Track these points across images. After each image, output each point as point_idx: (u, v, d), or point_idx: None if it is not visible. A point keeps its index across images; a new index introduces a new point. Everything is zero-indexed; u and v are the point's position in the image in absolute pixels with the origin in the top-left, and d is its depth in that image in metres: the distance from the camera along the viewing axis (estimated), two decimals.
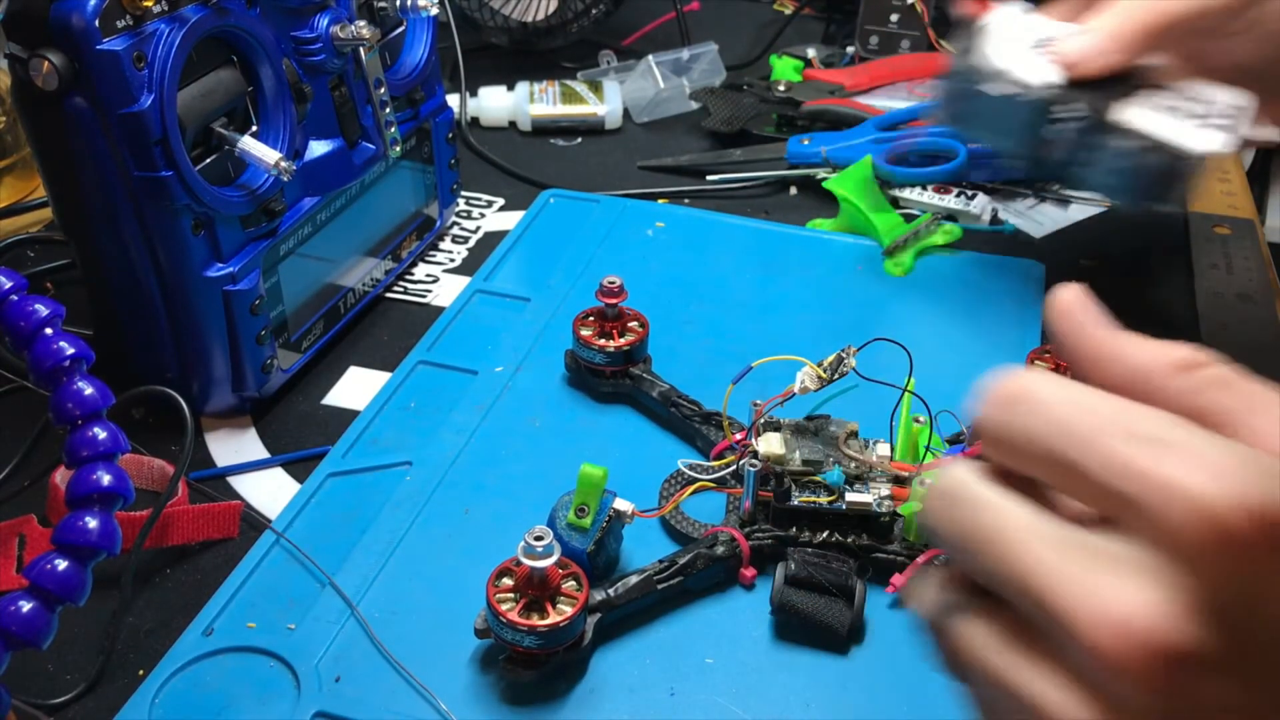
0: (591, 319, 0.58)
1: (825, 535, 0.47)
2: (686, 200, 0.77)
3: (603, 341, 0.57)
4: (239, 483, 0.53)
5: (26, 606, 0.32)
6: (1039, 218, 0.75)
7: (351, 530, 0.50)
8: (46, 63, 0.45)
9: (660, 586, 0.46)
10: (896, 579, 0.46)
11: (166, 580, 0.48)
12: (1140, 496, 0.23)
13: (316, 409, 0.58)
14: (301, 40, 0.55)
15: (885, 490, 0.48)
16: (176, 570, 0.49)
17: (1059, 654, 0.25)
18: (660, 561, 0.46)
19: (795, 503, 0.47)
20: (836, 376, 0.49)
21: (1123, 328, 0.28)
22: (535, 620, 0.42)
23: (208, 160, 0.51)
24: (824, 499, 0.47)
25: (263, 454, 0.55)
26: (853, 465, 0.48)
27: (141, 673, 0.43)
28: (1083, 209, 0.76)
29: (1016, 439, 0.26)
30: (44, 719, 0.41)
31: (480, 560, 0.45)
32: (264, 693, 0.43)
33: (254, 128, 0.54)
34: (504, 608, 0.42)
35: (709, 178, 0.79)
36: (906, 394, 0.49)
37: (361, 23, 0.56)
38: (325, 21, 0.55)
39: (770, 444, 0.48)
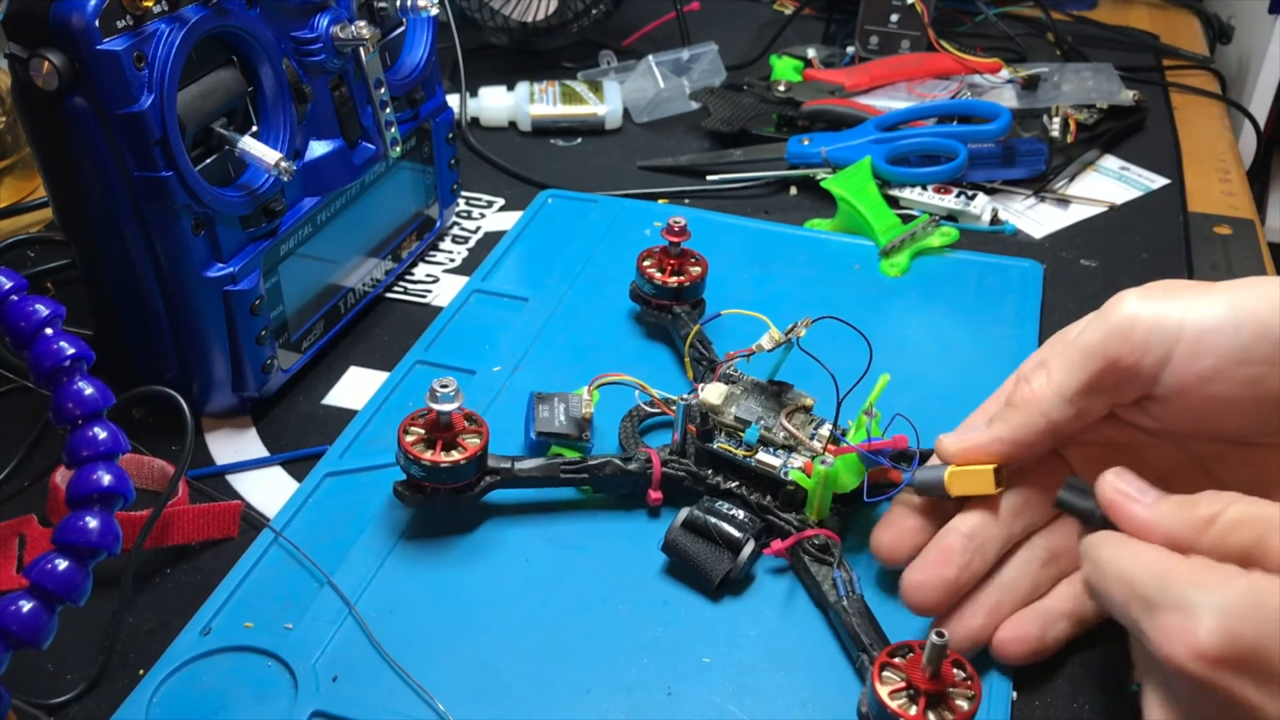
0: (656, 254, 0.61)
1: (734, 486, 0.49)
2: (686, 200, 0.77)
3: (656, 275, 0.60)
4: (239, 482, 0.54)
5: (26, 606, 0.32)
6: (1039, 218, 0.75)
7: (349, 530, 0.50)
8: (46, 63, 0.45)
9: (564, 476, 0.49)
10: (775, 544, 0.47)
11: (166, 580, 0.48)
12: (1149, 644, 0.35)
13: (317, 409, 0.58)
14: (301, 40, 0.55)
15: (799, 463, 0.48)
16: (176, 570, 0.49)
17: None
18: (572, 459, 0.50)
19: (714, 446, 0.49)
20: (785, 340, 0.51)
21: (1160, 494, 0.38)
22: (426, 455, 0.46)
23: (208, 160, 0.51)
24: (740, 452, 0.49)
25: (263, 454, 0.55)
26: (782, 435, 0.49)
27: (142, 672, 0.43)
28: (1083, 209, 0.76)
29: (1092, 589, 0.38)
30: (44, 719, 0.42)
31: (478, 560, 0.45)
32: (261, 692, 0.43)
33: (254, 128, 0.54)
34: (408, 440, 0.47)
35: (709, 178, 0.79)
36: (880, 380, 0.49)
37: (361, 23, 0.56)
38: (325, 21, 0.55)
39: (711, 394, 0.50)
